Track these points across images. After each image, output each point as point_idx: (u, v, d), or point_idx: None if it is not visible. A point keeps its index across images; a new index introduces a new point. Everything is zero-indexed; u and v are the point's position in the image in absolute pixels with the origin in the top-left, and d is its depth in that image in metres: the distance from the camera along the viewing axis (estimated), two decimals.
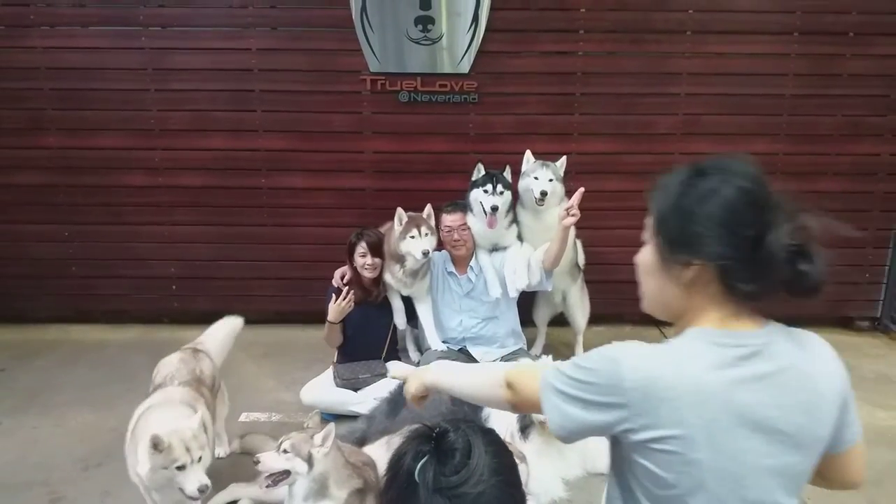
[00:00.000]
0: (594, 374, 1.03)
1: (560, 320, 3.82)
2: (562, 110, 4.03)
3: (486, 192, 3.18)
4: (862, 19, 3.91)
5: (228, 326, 2.92)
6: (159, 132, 4.06)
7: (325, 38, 3.94)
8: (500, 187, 3.17)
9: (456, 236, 3.28)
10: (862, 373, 3.76)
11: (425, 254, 3.08)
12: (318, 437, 1.98)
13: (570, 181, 3.31)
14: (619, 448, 1.07)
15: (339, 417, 3.00)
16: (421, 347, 3.59)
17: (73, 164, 4.10)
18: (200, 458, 1.94)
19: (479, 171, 3.29)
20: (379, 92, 3.98)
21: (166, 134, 4.06)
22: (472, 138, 4.05)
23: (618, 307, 3.86)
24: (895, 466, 2.85)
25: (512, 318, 3.48)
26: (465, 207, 3.29)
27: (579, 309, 3.66)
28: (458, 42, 3.88)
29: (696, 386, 0.99)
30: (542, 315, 3.82)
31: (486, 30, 3.86)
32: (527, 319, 3.71)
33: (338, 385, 3.18)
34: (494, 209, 3.15)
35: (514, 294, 3.30)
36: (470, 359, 3.31)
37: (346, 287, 3.16)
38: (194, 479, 1.90)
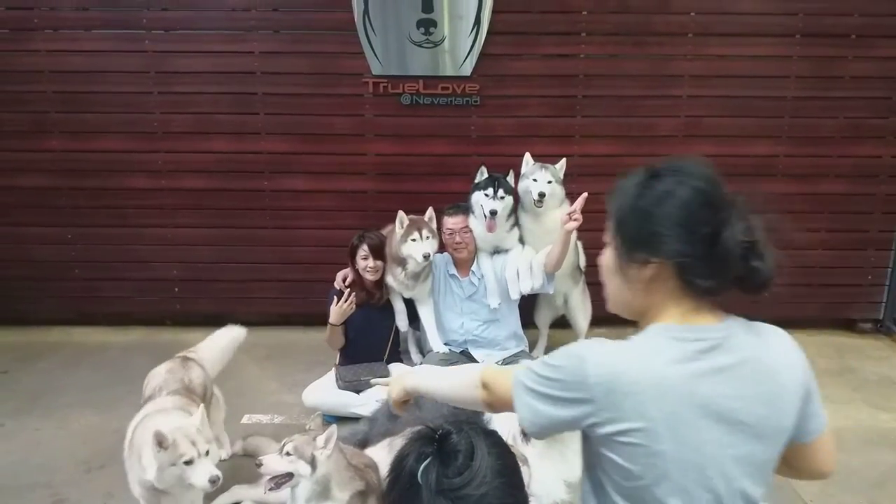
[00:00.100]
0: (561, 372, 1.07)
1: (562, 322, 3.82)
2: (564, 113, 4.04)
3: (486, 195, 3.18)
4: (864, 21, 3.91)
5: (229, 336, 2.88)
6: (162, 135, 4.07)
7: (327, 41, 3.95)
8: (501, 192, 3.17)
9: (458, 239, 3.28)
10: (864, 375, 3.76)
11: (426, 257, 3.09)
12: (320, 439, 1.98)
13: (571, 184, 3.31)
14: (589, 443, 1.10)
15: (340, 419, 3.00)
16: (423, 349, 3.60)
17: (75, 167, 4.11)
18: (208, 452, 1.93)
19: (483, 174, 3.29)
20: (381, 95, 3.98)
21: (169, 137, 4.08)
22: (474, 141, 4.05)
23: None
24: None
25: (513, 320, 3.48)
26: (466, 210, 3.30)
27: (581, 311, 3.66)
28: (460, 45, 3.89)
29: (658, 380, 1.02)
30: (543, 317, 3.82)
31: (488, 32, 3.87)
32: (528, 322, 3.72)
33: (340, 387, 3.18)
34: (493, 213, 3.14)
35: (515, 297, 3.30)
36: (472, 361, 3.30)
37: (348, 289, 3.17)
38: (203, 471, 1.89)
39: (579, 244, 3.53)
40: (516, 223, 3.33)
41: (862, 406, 3.39)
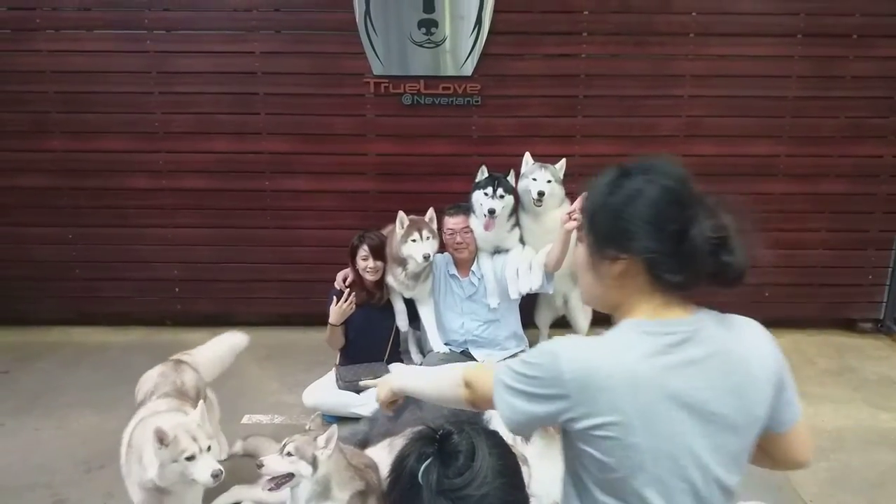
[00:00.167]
0: (537, 369, 1.09)
1: (562, 322, 3.82)
2: (565, 113, 4.04)
3: (486, 194, 3.18)
4: (865, 21, 3.91)
5: (230, 342, 2.85)
6: (163, 135, 4.07)
7: (328, 41, 3.95)
8: (500, 191, 3.17)
9: (458, 239, 3.27)
10: (865, 375, 3.76)
11: (426, 257, 3.08)
12: (321, 439, 1.98)
13: (572, 184, 3.31)
14: (568, 438, 1.13)
15: (341, 419, 3.00)
16: (423, 349, 3.59)
17: (76, 167, 4.12)
18: (209, 448, 1.93)
19: (483, 174, 3.29)
20: (382, 95, 3.99)
21: (170, 137, 4.08)
22: (475, 141, 4.05)
23: None
24: None
25: (514, 320, 3.48)
26: (467, 210, 3.29)
27: (581, 311, 3.66)
28: (461, 45, 3.89)
29: (630, 374, 1.04)
30: (543, 317, 3.82)
31: (490, 32, 3.87)
32: (528, 322, 3.71)
33: (340, 387, 3.18)
34: (491, 212, 3.14)
35: (514, 297, 3.30)
36: (472, 361, 3.30)
37: (348, 290, 3.17)
38: (206, 466, 1.89)
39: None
40: (517, 223, 3.33)
41: (862, 406, 3.39)
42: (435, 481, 1.01)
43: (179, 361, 2.55)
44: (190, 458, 1.88)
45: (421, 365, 3.42)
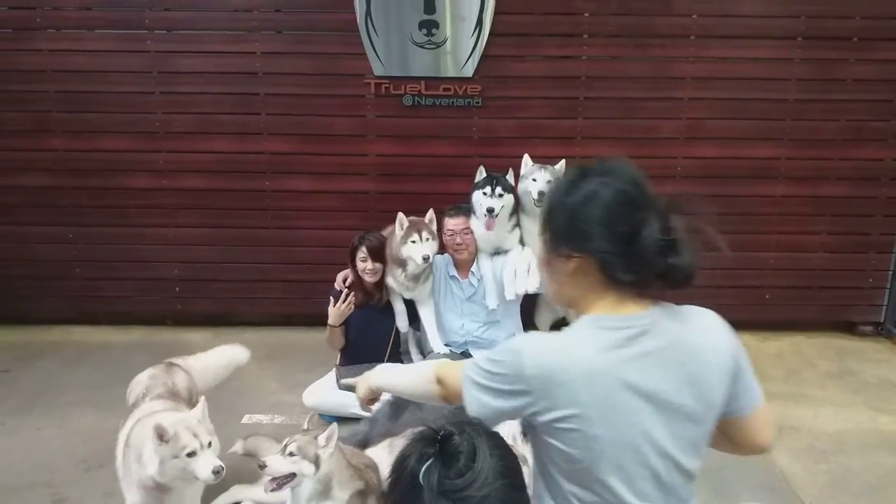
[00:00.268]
0: (501, 366, 1.13)
1: (562, 324, 3.82)
2: (565, 114, 4.04)
3: (484, 194, 3.18)
4: (865, 24, 3.91)
5: (230, 354, 2.80)
6: (164, 135, 4.08)
7: (329, 41, 3.95)
8: (499, 190, 3.17)
9: (458, 240, 3.28)
10: (865, 378, 3.76)
11: (426, 259, 3.08)
12: (321, 438, 1.98)
13: None
14: (534, 431, 1.17)
15: (341, 420, 2.99)
16: (423, 350, 3.59)
17: (77, 167, 4.12)
18: (210, 444, 1.92)
19: (481, 174, 3.29)
20: (383, 95, 3.99)
21: (171, 136, 4.08)
22: (476, 142, 4.05)
23: None
24: None
25: (514, 322, 3.48)
26: (468, 211, 3.30)
27: None
28: (462, 46, 3.89)
29: (589, 368, 1.09)
30: (543, 319, 3.81)
31: (491, 34, 3.87)
32: (529, 323, 3.72)
33: (340, 387, 3.18)
34: (490, 211, 3.14)
35: (511, 297, 3.29)
36: None
37: (347, 291, 3.17)
38: (207, 462, 1.88)
39: None
40: (518, 224, 3.33)
41: (862, 409, 3.39)
42: (436, 482, 1.01)
43: (171, 364, 2.53)
44: (191, 455, 1.87)
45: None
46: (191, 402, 2.39)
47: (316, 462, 1.93)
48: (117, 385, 3.41)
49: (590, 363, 1.09)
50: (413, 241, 3.10)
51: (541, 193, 3.17)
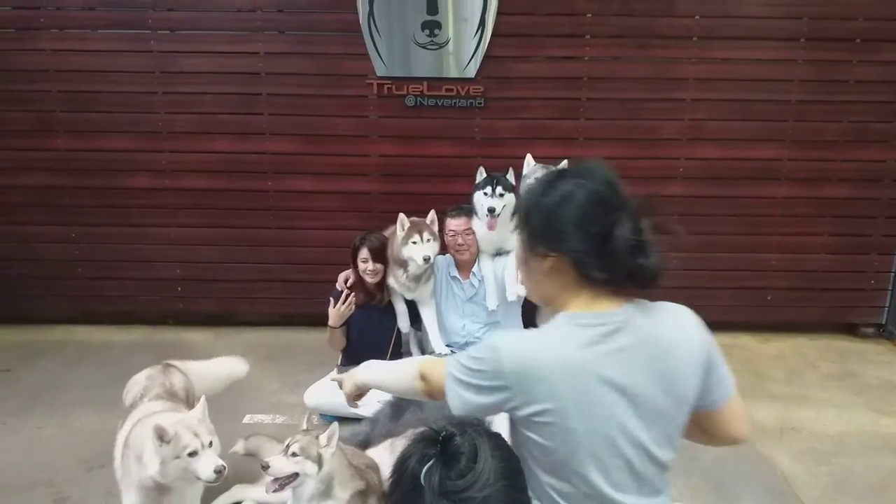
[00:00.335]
0: (481, 363, 1.17)
1: None
2: (567, 115, 4.04)
3: (485, 194, 3.18)
4: (868, 25, 3.90)
5: (228, 366, 2.76)
6: (166, 135, 4.08)
7: (332, 42, 3.95)
8: (499, 189, 3.16)
9: (460, 241, 3.27)
10: (866, 379, 3.75)
11: (426, 260, 3.08)
12: (322, 438, 1.98)
13: None
14: (513, 426, 1.21)
15: (342, 420, 2.99)
16: (425, 350, 3.59)
17: (80, 166, 4.13)
18: (211, 444, 1.91)
19: (482, 175, 3.29)
20: (385, 96, 3.99)
21: (173, 136, 4.09)
22: (478, 142, 4.05)
23: None
24: None
25: (515, 323, 3.47)
26: (470, 212, 3.29)
27: None
28: (464, 46, 3.89)
29: (565, 364, 1.12)
30: (545, 320, 3.80)
31: (493, 34, 3.88)
32: (530, 324, 3.70)
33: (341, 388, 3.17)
34: (492, 211, 3.14)
35: (512, 299, 3.29)
36: None
37: (347, 292, 3.17)
38: (209, 462, 1.87)
39: None
40: None
41: (864, 410, 3.38)
42: (437, 483, 1.02)
43: (168, 365, 2.51)
44: (192, 454, 1.86)
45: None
46: (188, 403, 2.37)
47: (319, 462, 1.93)
48: (119, 385, 3.41)
49: (567, 359, 1.13)
50: (414, 242, 3.10)
51: None
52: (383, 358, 3.26)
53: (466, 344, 3.39)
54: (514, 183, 3.28)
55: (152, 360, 2.61)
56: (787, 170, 4.10)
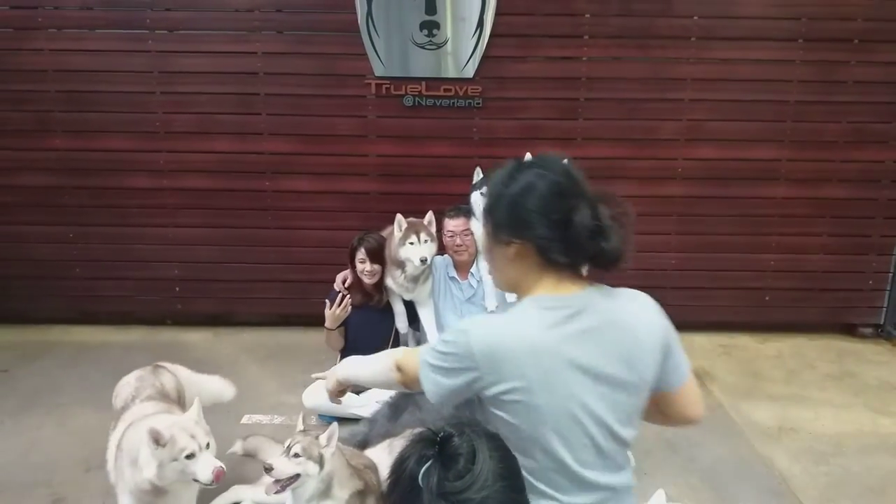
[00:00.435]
0: (452, 346, 1.24)
1: None
2: (566, 115, 4.04)
3: (482, 194, 3.17)
4: (867, 26, 3.91)
5: (217, 386, 2.70)
6: (164, 135, 4.08)
7: (330, 42, 3.95)
8: None
9: (458, 241, 3.27)
10: (865, 380, 3.75)
11: (423, 261, 3.08)
12: (322, 438, 1.97)
13: None
14: (482, 406, 1.27)
15: (340, 420, 2.99)
16: None
17: (78, 166, 4.12)
18: (208, 445, 1.90)
19: (478, 175, 3.29)
20: (384, 96, 3.99)
21: (171, 136, 4.08)
22: (476, 143, 4.05)
23: None
24: None
25: None
26: (468, 212, 3.28)
27: None
28: (462, 47, 3.89)
29: (531, 344, 1.19)
30: None
31: (491, 35, 3.88)
32: None
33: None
34: None
35: (511, 300, 3.28)
36: None
37: (344, 293, 3.16)
38: (206, 464, 1.86)
39: None
40: None
41: (863, 411, 3.38)
42: (435, 484, 1.01)
43: (157, 366, 2.49)
44: (190, 457, 1.85)
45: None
46: (180, 404, 2.35)
47: (320, 462, 1.93)
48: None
49: (533, 340, 1.19)
50: (411, 243, 3.09)
51: None
52: None
53: None
54: None
55: (151, 360, 2.60)
56: (786, 170, 4.10)
